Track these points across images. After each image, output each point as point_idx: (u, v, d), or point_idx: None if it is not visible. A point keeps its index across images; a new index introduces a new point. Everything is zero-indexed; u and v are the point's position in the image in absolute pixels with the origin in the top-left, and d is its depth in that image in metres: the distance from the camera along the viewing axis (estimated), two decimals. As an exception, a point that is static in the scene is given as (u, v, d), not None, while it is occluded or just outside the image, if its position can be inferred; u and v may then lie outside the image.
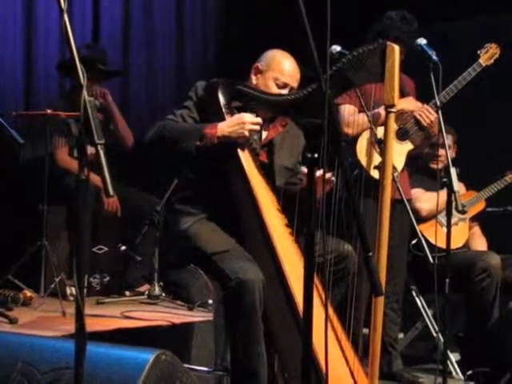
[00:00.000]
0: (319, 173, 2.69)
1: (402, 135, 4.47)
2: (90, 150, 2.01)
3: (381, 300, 3.15)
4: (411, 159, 4.71)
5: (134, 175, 5.51)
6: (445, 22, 6.32)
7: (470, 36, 6.03)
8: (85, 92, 2.01)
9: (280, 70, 3.51)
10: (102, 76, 5.19)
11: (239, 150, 3.37)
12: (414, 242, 4.62)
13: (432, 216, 4.78)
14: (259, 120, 3.35)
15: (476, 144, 5.72)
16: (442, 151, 5.08)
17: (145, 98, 6.30)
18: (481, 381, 4.19)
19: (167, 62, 6.45)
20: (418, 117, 4.41)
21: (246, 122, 3.31)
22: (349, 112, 4.36)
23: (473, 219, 5.24)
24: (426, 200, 4.88)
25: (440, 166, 4.89)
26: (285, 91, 3.49)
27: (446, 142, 4.24)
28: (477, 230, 5.31)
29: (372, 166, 4.15)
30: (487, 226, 5.34)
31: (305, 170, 2.36)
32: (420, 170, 5.12)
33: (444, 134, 3.98)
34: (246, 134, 3.32)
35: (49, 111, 4.66)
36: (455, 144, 5.21)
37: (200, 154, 3.30)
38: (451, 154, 5.11)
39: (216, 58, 6.73)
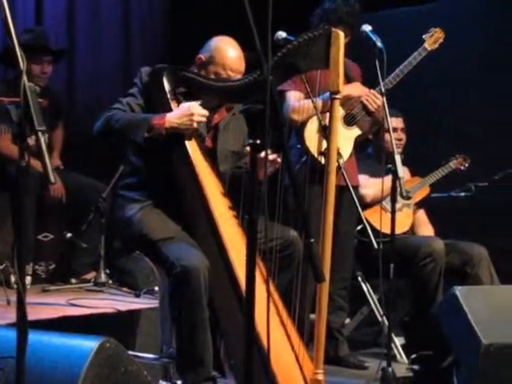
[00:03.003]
0: (262, 154, 2.70)
1: (349, 121, 4.50)
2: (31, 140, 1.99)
3: (325, 286, 3.17)
4: (361, 145, 4.75)
5: (80, 161, 5.47)
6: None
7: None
8: (24, 77, 1.98)
9: (222, 64, 3.45)
10: (47, 58, 5.11)
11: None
12: (359, 227, 4.66)
13: (377, 202, 4.81)
14: (206, 112, 3.34)
15: (421, 130, 5.78)
16: (401, 135, 5.15)
17: (90, 80, 6.21)
18: (424, 364, 4.25)
19: (113, 43, 6.36)
20: (365, 102, 4.44)
21: (195, 113, 3.29)
22: (294, 98, 4.38)
23: (418, 205, 5.30)
24: (370, 186, 4.91)
25: (400, 150, 4.94)
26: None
27: (393, 125, 4.30)
28: (423, 216, 5.36)
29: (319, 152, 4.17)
30: (431, 212, 5.40)
31: (248, 149, 2.36)
32: (369, 155, 5.16)
33: (389, 119, 4.03)
34: (195, 125, 3.30)
35: (-10, 96, 4.57)
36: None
37: (147, 142, 3.28)
38: (404, 136, 5.17)
39: (163, 39, 6.66)
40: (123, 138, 3.35)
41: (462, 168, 5.34)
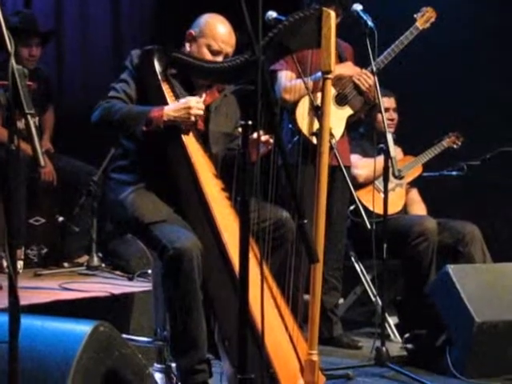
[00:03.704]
0: (255, 135, 2.68)
1: (341, 100, 4.49)
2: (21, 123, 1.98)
3: (319, 266, 3.17)
4: (353, 125, 4.74)
5: (71, 145, 5.44)
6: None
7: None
8: (13, 60, 1.96)
9: (213, 36, 3.46)
10: (36, 41, 5.07)
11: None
12: (351, 208, 4.66)
13: (369, 182, 4.81)
14: (203, 106, 3.32)
15: (414, 109, 5.76)
16: (393, 115, 5.14)
17: (79, 65, 6.16)
18: (418, 343, 4.26)
19: (102, 28, 6.32)
20: (357, 81, 4.43)
21: (193, 107, 3.27)
22: (286, 78, 4.36)
23: (410, 184, 5.30)
24: (362, 166, 4.91)
25: (392, 129, 4.93)
26: (219, 58, 3.45)
27: (385, 105, 4.30)
28: (415, 195, 5.36)
29: (311, 132, 4.16)
30: (423, 191, 5.40)
31: (240, 130, 2.35)
32: (361, 135, 5.15)
33: (380, 98, 4.03)
34: (192, 119, 3.28)
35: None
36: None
37: (145, 136, 3.27)
38: (396, 115, 5.17)
39: (152, 21, 6.61)
40: (121, 130, 3.34)
41: (455, 146, 5.33)
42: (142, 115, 3.26)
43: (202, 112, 3.32)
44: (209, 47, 3.45)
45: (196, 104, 3.28)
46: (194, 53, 3.47)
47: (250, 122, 2.27)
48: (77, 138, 5.42)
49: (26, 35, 4.95)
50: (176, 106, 3.29)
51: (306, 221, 2.62)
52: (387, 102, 5.02)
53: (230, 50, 3.46)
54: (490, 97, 5.86)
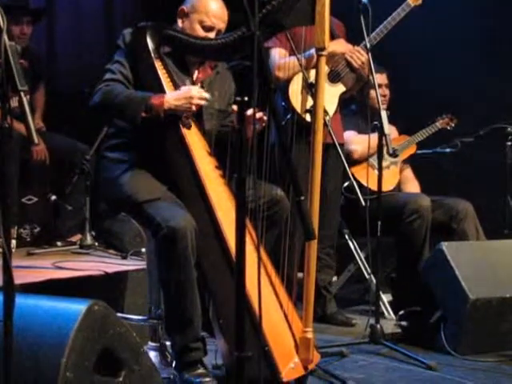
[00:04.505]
0: (250, 111, 2.66)
1: (333, 77, 4.47)
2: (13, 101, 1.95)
3: (314, 244, 3.17)
4: (344, 102, 4.73)
5: (63, 123, 5.41)
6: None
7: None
8: (5, 37, 1.94)
9: (205, 11, 3.43)
10: (26, 19, 5.03)
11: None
12: (345, 184, 4.65)
13: (364, 159, 4.80)
14: (207, 95, 3.30)
15: (408, 88, 5.75)
16: (386, 91, 5.13)
17: (71, 44, 6.13)
18: (412, 320, 4.27)
19: (94, 6, 6.27)
20: (349, 58, 4.41)
21: (194, 96, 3.24)
22: (279, 55, 4.34)
23: (404, 162, 5.29)
24: (358, 142, 4.90)
25: (385, 106, 4.92)
26: (212, 34, 3.42)
27: (377, 81, 4.28)
28: (409, 172, 5.36)
29: (304, 109, 4.14)
30: (417, 169, 5.40)
31: (235, 107, 2.33)
32: (354, 112, 5.14)
33: (374, 75, 4.01)
34: (193, 108, 3.26)
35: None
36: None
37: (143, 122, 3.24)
38: (388, 92, 5.16)
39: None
40: (120, 114, 3.32)
41: (449, 128, 5.33)
42: (142, 101, 3.23)
43: (204, 102, 3.29)
44: (201, 23, 3.43)
45: (198, 94, 3.25)
46: (186, 29, 3.44)
47: (245, 98, 2.25)
48: (68, 116, 5.40)
49: (16, 13, 4.91)
50: (177, 94, 3.25)
51: (303, 197, 2.61)
52: (379, 79, 5.00)
53: (222, 25, 3.44)
54: (485, 72, 5.85)
